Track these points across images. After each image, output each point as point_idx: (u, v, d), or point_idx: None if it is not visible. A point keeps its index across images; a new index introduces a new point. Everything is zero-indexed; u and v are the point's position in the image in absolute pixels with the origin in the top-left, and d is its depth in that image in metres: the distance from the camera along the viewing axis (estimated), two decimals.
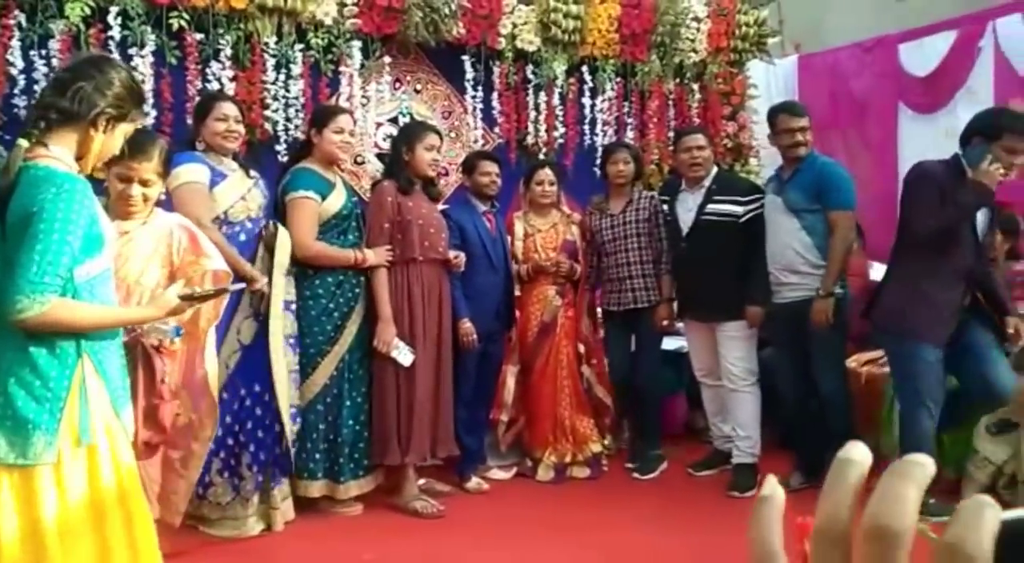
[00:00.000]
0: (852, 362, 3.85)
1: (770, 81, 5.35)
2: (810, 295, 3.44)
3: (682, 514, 3.38)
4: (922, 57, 4.96)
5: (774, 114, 3.62)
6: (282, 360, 3.12)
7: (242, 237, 3.09)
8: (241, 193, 3.09)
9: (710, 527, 3.20)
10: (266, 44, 3.81)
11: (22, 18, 3.41)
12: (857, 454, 0.35)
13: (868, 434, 3.74)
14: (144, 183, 2.28)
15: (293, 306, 3.21)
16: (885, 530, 0.31)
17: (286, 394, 3.13)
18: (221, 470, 3.07)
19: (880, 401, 3.69)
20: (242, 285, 2.69)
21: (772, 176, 3.79)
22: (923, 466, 0.32)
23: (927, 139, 4.97)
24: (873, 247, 4.43)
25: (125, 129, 1.84)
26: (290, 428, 3.17)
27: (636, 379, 3.96)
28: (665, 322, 3.93)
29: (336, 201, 3.33)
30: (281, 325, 3.13)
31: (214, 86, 3.71)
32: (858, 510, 0.33)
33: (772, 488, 0.38)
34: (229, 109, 3.12)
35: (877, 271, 4.21)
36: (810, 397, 3.54)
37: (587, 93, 4.64)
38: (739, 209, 3.68)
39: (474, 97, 4.36)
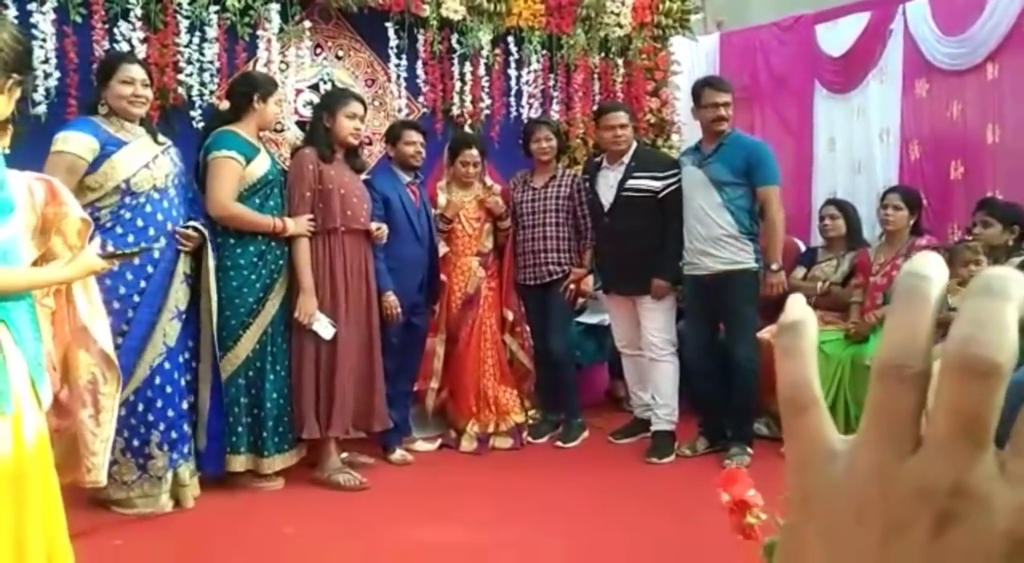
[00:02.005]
0: (764, 333, 3.98)
1: (693, 58, 5.42)
2: (728, 268, 3.55)
3: (602, 480, 3.46)
4: (837, 37, 5.10)
5: (699, 87, 3.68)
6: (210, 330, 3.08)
7: (148, 208, 2.95)
8: (145, 161, 2.95)
9: (628, 492, 3.29)
10: (179, 5, 3.65)
11: None
12: (934, 267, 0.27)
13: (776, 402, 3.89)
14: None
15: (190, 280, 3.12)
16: (985, 362, 0.24)
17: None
18: (124, 449, 2.98)
19: None
20: (160, 245, 2.65)
21: (690, 148, 3.87)
22: (1018, 281, 0.25)
23: (840, 117, 5.15)
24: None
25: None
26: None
27: (550, 350, 4.00)
28: (572, 287, 3.97)
29: (260, 166, 3.25)
30: (212, 297, 3.09)
31: (123, 47, 3.54)
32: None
33: (801, 310, 0.30)
34: (136, 72, 2.97)
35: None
36: (718, 366, 3.65)
37: (513, 65, 4.62)
38: (657, 184, 3.74)
39: (398, 65, 4.28)
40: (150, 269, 2.96)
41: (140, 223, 2.94)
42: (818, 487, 0.28)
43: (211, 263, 3.08)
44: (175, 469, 3.04)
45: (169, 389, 3.03)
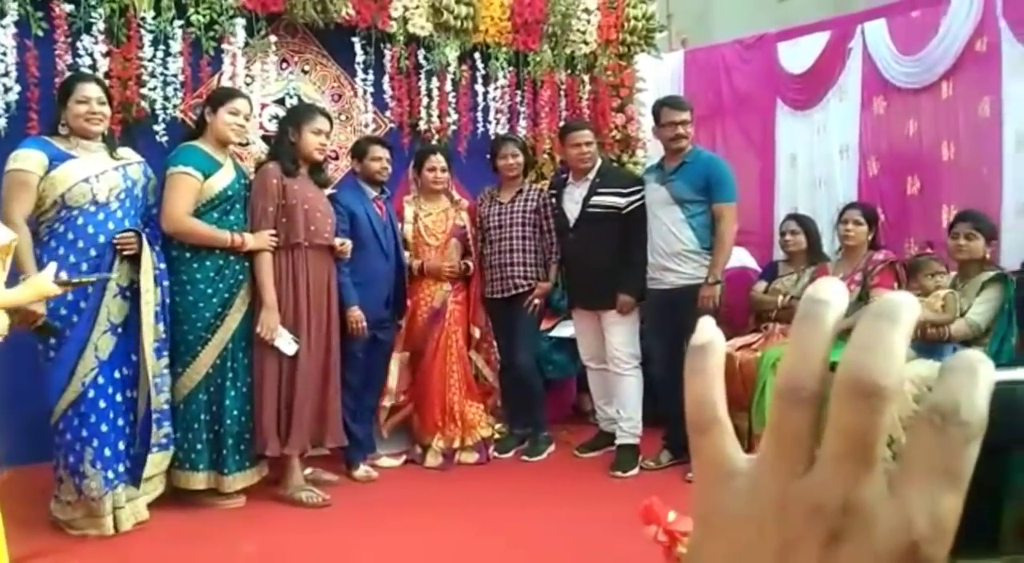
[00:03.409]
0: (727, 347, 4.04)
1: (658, 75, 5.49)
2: (689, 283, 3.60)
3: (566, 495, 3.47)
4: (798, 56, 5.21)
5: (658, 107, 3.75)
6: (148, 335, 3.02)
7: (80, 221, 2.92)
8: (86, 175, 2.92)
9: (592, 506, 3.30)
10: (143, 19, 3.63)
11: None
12: (833, 292, 0.28)
13: (739, 415, 3.94)
14: None
15: (159, 275, 3.06)
16: (868, 385, 0.25)
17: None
18: (64, 467, 2.94)
19: (752, 385, 3.88)
20: (114, 275, 2.62)
21: (653, 166, 3.92)
22: (908, 306, 0.26)
23: (802, 134, 5.25)
24: (747, 235, 4.68)
25: None
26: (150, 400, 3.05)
27: (516, 364, 4.01)
28: (537, 301, 3.99)
29: (221, 180, 3.23)
30: (149, 295, 3.02)
31: (85, 61, 3.52)
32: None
33: (710, 332, 0.31)
34: (91, 90, 2.97)
35: (742, 257, 4.45)
36: (681, 380, 3.67)
37: (480, 80, 4.65)
38: (622, 201, 3.79)
39: (364, 80, 4.29)
40: (89, 289, 2.92)
41: (71, 237, 2.91)
42: (719, 505, 0.29)
43: (150, 271, 3.00)
44: (113, 490, 2.96)
45: (103, 404, 2.97)
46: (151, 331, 3.03)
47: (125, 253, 2.98)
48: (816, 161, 5.17)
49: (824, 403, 0.26)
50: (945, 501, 0.25)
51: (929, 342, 3.33)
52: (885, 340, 0.25)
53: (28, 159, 2.86)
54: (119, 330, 3.03)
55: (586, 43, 4.96)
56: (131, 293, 3.05)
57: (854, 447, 0.25)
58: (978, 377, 0.25)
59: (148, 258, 3.01)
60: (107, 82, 3.30)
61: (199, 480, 3.23)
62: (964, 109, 4.48)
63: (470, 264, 4.00)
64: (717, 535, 0.29)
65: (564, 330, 4.45)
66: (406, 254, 3.89)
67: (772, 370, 3.78)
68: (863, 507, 0.25)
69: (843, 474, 0.26)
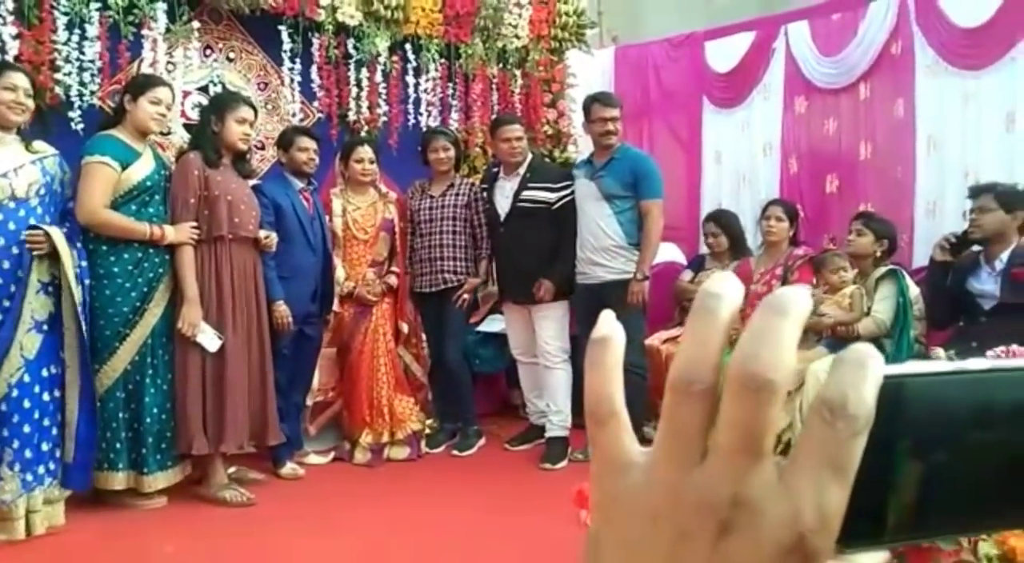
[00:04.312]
0: (654, 340, 4.11)
1: (589, 71, 5.54)
2: (616, 277, 3.65)
3: (497, 488, 3.49)
4: (725, 55, 5.32)
5: (589, 103, 3.78)
6: (75, 342, 2.92)
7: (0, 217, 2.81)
8: (3, 170, 2.81)
9: (522, 498, 3.33)
10: (56, 1, 3.48)
11: None
12: (727, 287, 0.28)
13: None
14: None
15: (80, 273, 2.95)
16: (759, 379, 0.25)
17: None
18: None
19: None
20: None
21: (583, 162, 3.96)
22: (798, 300, 0.26)
23: (727, 132, 5.37)
24: (674, 230, 4.77)
25: None
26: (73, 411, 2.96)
27: (445, 359, 4.01)
28: (466, 296, 4.00)
29: (140, 170, 3.13)
30: (73, 304, 2.90)
31: None
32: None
33: (609, 327, 0.31)
34: (20, 79, 2.89)
35: (671, 252, 4.54)
36: None
37: (411, 72, 4.60)
38: (552, 196, 3.82)
39: (292, 69, 4.20)
40: (12, 288, 2.81)
41: None
42: (615, 495, 0.29)
43: (70, 269, 2.88)
44: (30, 493, 2.85)
45: (28, 404, 2.86)
46: (76, 328, 2.93)
47: (35, 253, 2.85)
48: (740, 159, 5.30)
49: (718, 397, 0.27)
50: (831, 493, 0.25)
51: (840, 339, 3.45)
52: (775, 334, 0.26)
53: None
54: (44, 327, 2.91)
55: (518, 37, 4.96)
56: (53, 289, 2.93)
57: (744, 440, 0.26)
58: (867, 371, 0.25)
59: (67, 256, 2.89)
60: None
61: (118, 480, 3.13)
62: (880, 110, 4.65)
63: (393, 283, 3.95)
64: (614, 525, 0.29)
65: (492, 325, 4.47)
66: (333, 249, 3.83)
67: None
68: (752, 500, 0.26)
69: (733, 467, 0.26)
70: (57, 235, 2.88)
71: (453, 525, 3.02)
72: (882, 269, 3.53)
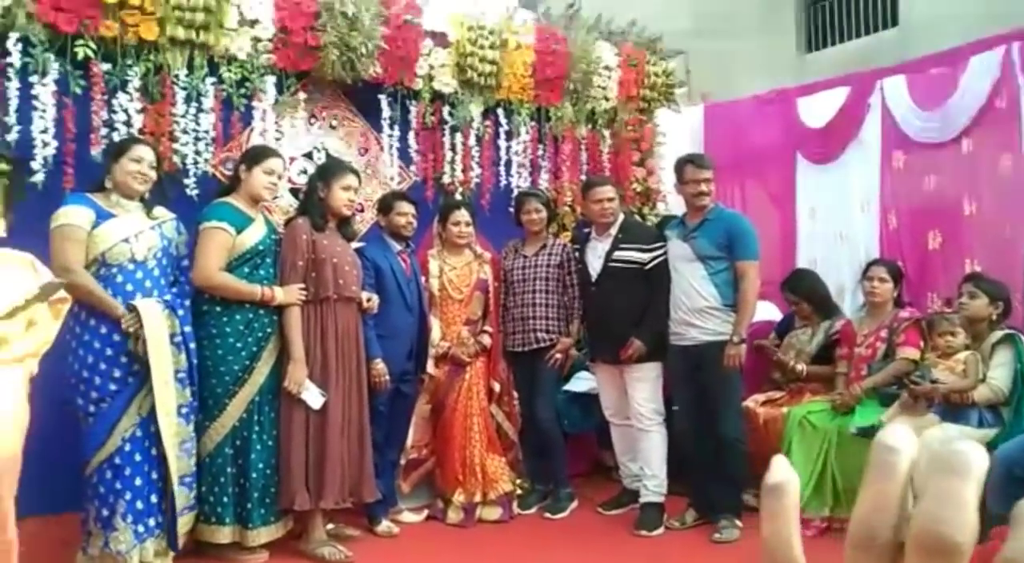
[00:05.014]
0: (750, 402, 4.01)
1: (678, 129, 5.56)
2: (712, 339, 3.59)
3: (590, 555, 3.43)
4: (818, 110, 5.25)
5: (681, 165, 3.78)
6: (166, 397, 3.00)
7: (119, 278, 2.98)
8: (125, 235, 2.99)
9: None
10: (176, 76, 3.73)
11: None
12: (904, 441, 0.28)
13: (765, 473, 3.89)
14: None
15: (177, 339, 3.06)
16: (947, 542, 0.25)
17: (167, 427, 3.00)
18: (95, 519, 2.95)
19: (777, 441, 3.84)
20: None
21: (676, 222, 3.94)
22: (978, 459, 0.26)
23: (822, 187, 5.27)
24: (770, 286, 4.67)
25: None
26: (175, 466, 3.04)
27: (536, 418, 4.00)
28: (559, 356, 3.99)
29: (253, 235, 3.29)
30: (166, 360, 3.01)
31: (120, 117, 3.61)
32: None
33: (785, 473, 0.31)
34: (146, 152, 3.10)
35: (768, 311, 4.43)
36: (706, 436, 3.66)
37: (503, 135, 4.73)
38: (644, 256, 3.81)
39: (391, 135, 4.37)
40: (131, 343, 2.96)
41: (110, 293, 2.96)
42: None
43: (151, 341, 2.96)
44: (141, 544, 2.96)
45: (139, 457, 2.99)
46: (170, 396, 3.02)
47: (126, 328, 2.96)
48: (837, 214, 5.18)
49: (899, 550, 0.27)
50: None
51: (953, 406, 3.29)
52: (958, 497, 0.26)
53: (77, 215, 2.94)
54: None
55: (607, 99, 5.04)
56: (181, 340, 3.07)
57: None
58: None
59: (153, 328, 2.96)
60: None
61: (224, 534, 3.22)
62: (985, 165, 4.49)
63: (487, 342, 4.00)
64: None
65: (578, 385, 4.45)
66: (430, 309, 3.91)
67: (799, 428, 3.75)
68: None
69: None
70: (145, 309, 2.96)
71: None
72: (999, 333, 3.37)
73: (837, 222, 5.18)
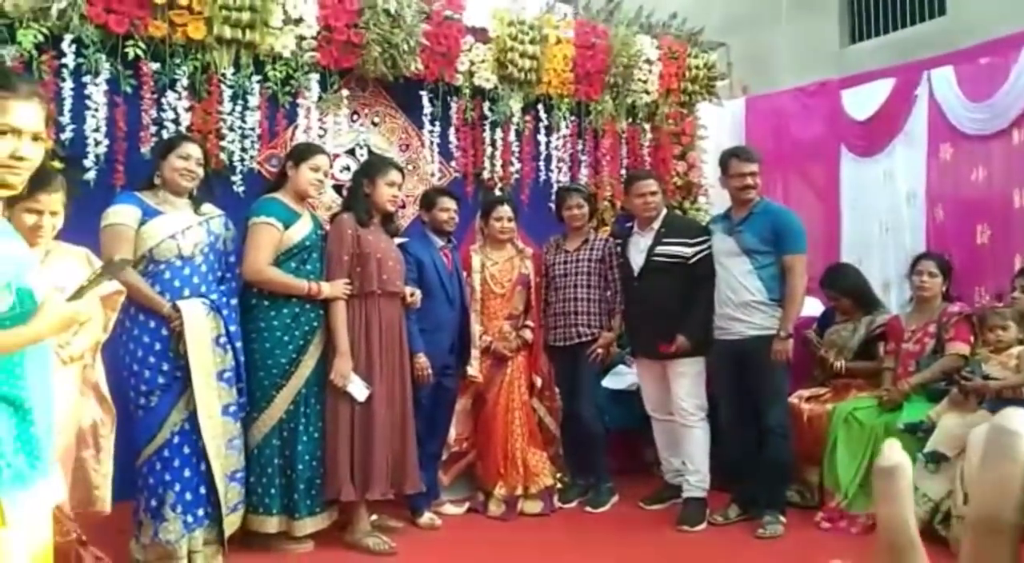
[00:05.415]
0: (794, 398, 3.97)
1: (719, 122, 5.51)
2: (758, 333, 3.56)
3: (633, 549, 3.42)
4: (863, 102, 5.17)
5: (726, 158, 3.75)
6: (207, 398, 3.06)
7: (167, 274, 3.04)
8: (172, 232, 3.05)
9: (660, 561, 3.25)
10: (223, 75, 3.80)
11: None
12: (1021, 423, 0.29)
13: (809, 469, 3.86)
14: (53, 214, 2.44)
15: (223, 340, 3.12)
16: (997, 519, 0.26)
17: (210, 429, 3.06)
18: (145, 509, 3.02)
19: (822, 437, 3.79)
20: (126, 260, 2.58)
21: (720, 216, 3.91)
22: None
23: (867, 180, 5.19)
24: (811, 284, 4.60)
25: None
26: (220, 465, 3.10)
27: (577, 413, 4.00)
28: (600, 351, 3.99)
29: (300, 231, 3.33)
30: (207, 362, 3.06)
31: (169, 116, 3.69)
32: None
33: (898, 456, 0.31)
34: (193, 149, 3.15)
35: (811, 305, 4.37)
36: (751, 431, 3.63)
37: (543, 130, 4.74)
38: (688, 250, 3.79)
39: (432, 131, 4.40)
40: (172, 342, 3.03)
41: (158, 289, 3.02)
42: None
43: (190, 337, 3.01)
44: (191, 534, 3.03)
45: (187, 449, 3.05)
46: (212, 398, 3.07)
47: (174, 326, 3.02)
48: (882, 208, 5.10)
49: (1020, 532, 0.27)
50: None
51: (1005, 402, 3.22)
52: (1009, 479, 0.27)
53: (125, 213, 3.02)
54: (214, 381, 3.10)
55: (647, 93, 5.02)
56: (227, 340, 3.13)
57: None
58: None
59: (194, 328, 3.01)
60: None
61: (271, 523, 3.28)
62: None
63: (528, 337, 4.01)
64: None
65: (616, 381, 4.44)
66: (472, 304, 3.93)
67: (844, 425, 3.71)
68: None
69: None
70: (188, 311, 3.02)
71: None
72: None
73: (882, 216, 5.10)
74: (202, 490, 3.09)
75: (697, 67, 5.15)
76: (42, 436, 1.57)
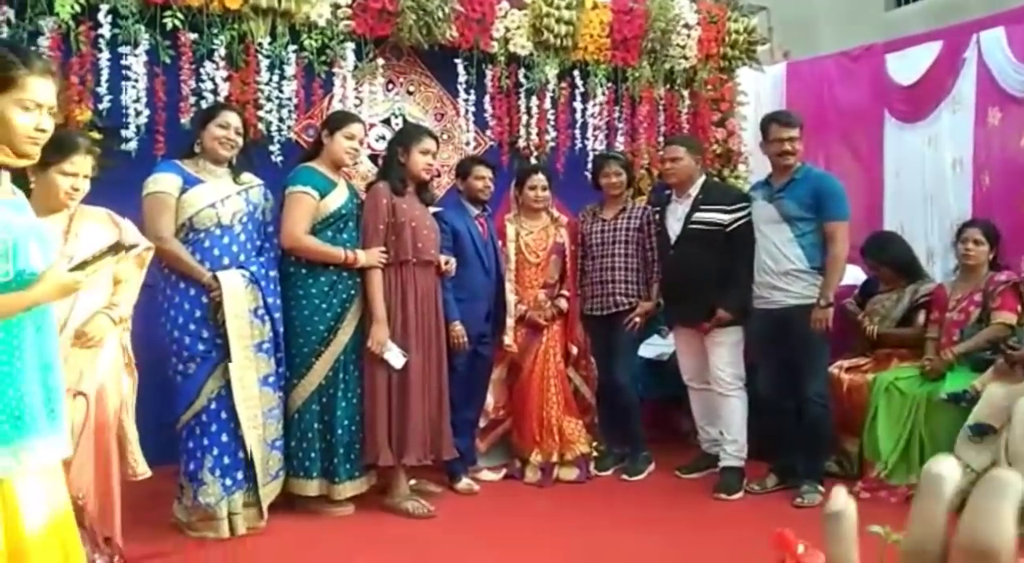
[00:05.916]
0: (834, 368, 3.92)
1: (759, 87, 5.40)
2: (798, 302, 3.51)
3: (670, 516, 3.43)
4: (908, 67, 5.02)
5: (767, 123, 3.67)
6: (244, 369, 3.10)
7: (207, 243, 3.08)
8: (211, 200, 3.08)
9: (697, 529, 3.26)
10: (260, 45, 3.81)
11: (11, 14, 3.40)
12: (947, 469, 0.33)
13: (848, 440, 3.82)
14: (85, 177, 2.52)
15: (260, 312, 3.15)
16: (984, 549, 0.30)
17: (244, 401, 3.11)
18: (184, 473, 3.10)
19: (862, 407, 3.75)
20: (138, 248, 2.60)
21: (760, 183, 3.85)
22: (1014, 484, 0.31)
23: (912, 147, 5.06)
24: (853, 253, 4.52)
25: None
26: (258, 434, 3.16)
27: (614, 381, 4.00)
28: (638, 320, 3.97)
29: (336, 200, 3.35)
30: (244, 334, 3.10)
31: (207, 86, 3.72)
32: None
33: (842, 501, 0.36)
34: (232, 118, 3.17)
35: (852, 274, 4.29)
36: (789, 401, 3.60)
37: (578, 97, 4.68)
38: (726, 218, 3.73)
39: (466, 100, 4.38)
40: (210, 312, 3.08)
41: (197, 257, 3.07)
42: None
43: (228, 306, 3.06)
44: (229, 496, 3.10)
45: (224, 415, 3.10)
46: (248, 369, 3.13)
47: (213, 296, 3.06)
48: (927, 175, 4.97)
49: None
50: None
51: None
52: (996, 511, 0.31)
53: (166, 182, 3.06)
54: (250, 351, 3.15)
55: (686, 58, 4.93)
56: (265, 312, 3.17)
57: None
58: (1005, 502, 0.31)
59: (232, 298, 3.06)
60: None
61: (312, 487, 3.34)
62: None
63: (563, 306, 4.00)
64: None
65: (650, 351, 4.42)
66: (507, 273, 3.94)
67: (885, 394, 3.66)
68: None
69: None
70: (226, 282, 3.06)
71: (630, 553, 3.00)
72: None
73: (927, 183, 4.98)
74: (240, 455, 3.15)
75: (737, 31, 5.03)
76: (33, 399, 1.63)
